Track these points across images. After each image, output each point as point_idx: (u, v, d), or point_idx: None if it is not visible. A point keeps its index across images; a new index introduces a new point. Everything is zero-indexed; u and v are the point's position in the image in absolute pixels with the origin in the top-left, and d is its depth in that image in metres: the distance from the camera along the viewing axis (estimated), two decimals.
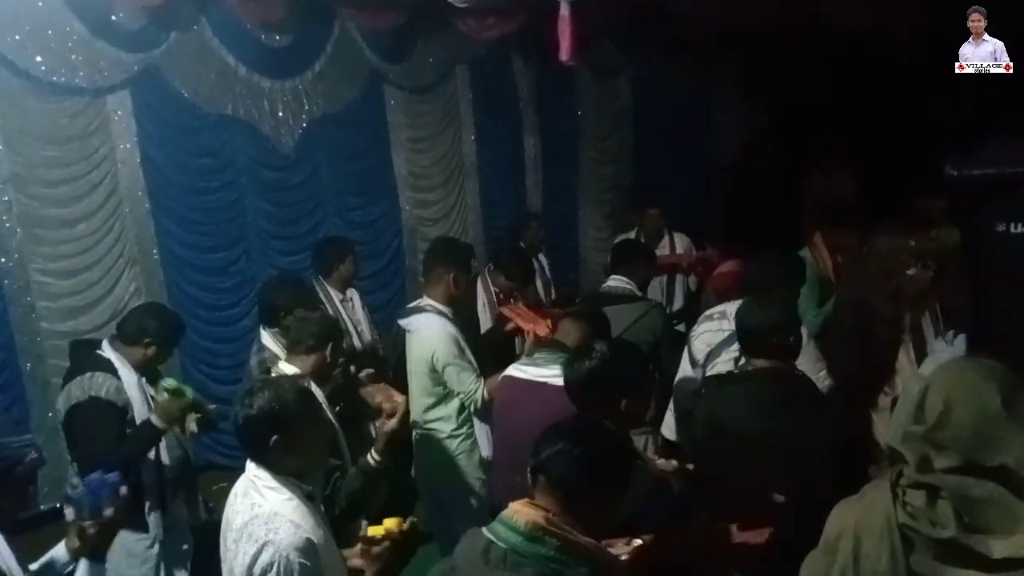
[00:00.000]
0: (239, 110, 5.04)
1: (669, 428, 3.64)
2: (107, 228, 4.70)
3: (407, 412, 2.70)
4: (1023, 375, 1.57)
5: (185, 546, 3.40)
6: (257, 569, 2.01)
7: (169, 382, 3.16)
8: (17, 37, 4.17)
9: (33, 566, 2.18)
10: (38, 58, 4.25)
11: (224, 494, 4.84)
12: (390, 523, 2.19)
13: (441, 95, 6.16)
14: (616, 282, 4.00)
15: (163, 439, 3.17)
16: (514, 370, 2.99)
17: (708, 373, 3.33)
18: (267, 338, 3.74)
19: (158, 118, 4.79)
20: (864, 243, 4.57)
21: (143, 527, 3.17)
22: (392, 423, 2.61)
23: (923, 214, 4.95)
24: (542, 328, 3.52)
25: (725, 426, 2.51)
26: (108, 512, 2.16)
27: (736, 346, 3.26)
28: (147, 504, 3.18)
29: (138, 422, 3.11)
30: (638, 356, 2.43)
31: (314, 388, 2.75)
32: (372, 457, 2.61)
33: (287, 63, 5.22)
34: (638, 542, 1.96)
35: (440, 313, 3.62)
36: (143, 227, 4.86)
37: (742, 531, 2.20)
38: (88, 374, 3.10)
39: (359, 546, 2.21)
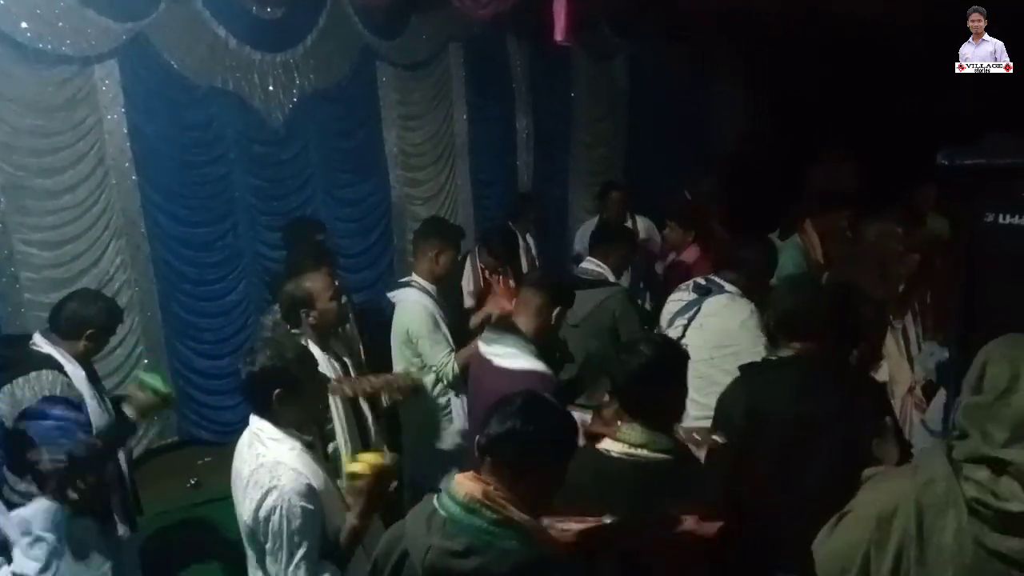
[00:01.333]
0: (229, 83, 4.98)
1: None
2: (93, 199, 4.65)
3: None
4: None
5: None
6: (263, 512, 2.17)
7: (149, 377, 3.01)
8: (2, 2, 4.09)
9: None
10: (24, 24, 4.17)
11: (209, 468, 4.89)
12: (367, 457, 2.29)
13: (434, 73, 6.11)
14: (589, 264, 4.05)
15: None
16: (480, 343, 3.04)
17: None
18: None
19: (146, 89, 4.72)
20: (854, 229, 4.62)
21: (109, 517, 3.06)
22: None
23: (913, 204, 5.00)
24: (503, 305, 3.59)
25: (768, 412, 2.51)
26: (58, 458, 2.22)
27: (687, 315, 3.41)
28: (112, 496, 3.07)
29: (92, 418, 2.94)
30: (680, 351, 2.39)
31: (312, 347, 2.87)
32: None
33: (278, 36, 5.15)
34: (591, 522, 1.96)
35: (422, 289, 3.73)
36: (129, 199, 4.81)
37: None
38: (33, 374, 2.85)
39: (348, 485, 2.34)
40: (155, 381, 3.00)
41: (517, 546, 1.73)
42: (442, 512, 1.77)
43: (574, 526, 1.96)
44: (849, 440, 2.33)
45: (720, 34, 7.26)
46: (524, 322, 2.88)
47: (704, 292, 3.46)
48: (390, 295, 3.89)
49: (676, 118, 7.54)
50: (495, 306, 3.73)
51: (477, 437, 1.86)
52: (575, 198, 7.32)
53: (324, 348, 3.09)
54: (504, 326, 2.93)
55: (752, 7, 6.40)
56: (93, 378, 3.12)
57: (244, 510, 2.24)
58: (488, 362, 2.86)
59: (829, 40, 6.82)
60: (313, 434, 2.43)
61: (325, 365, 3.02)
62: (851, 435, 2.34)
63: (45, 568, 2.15)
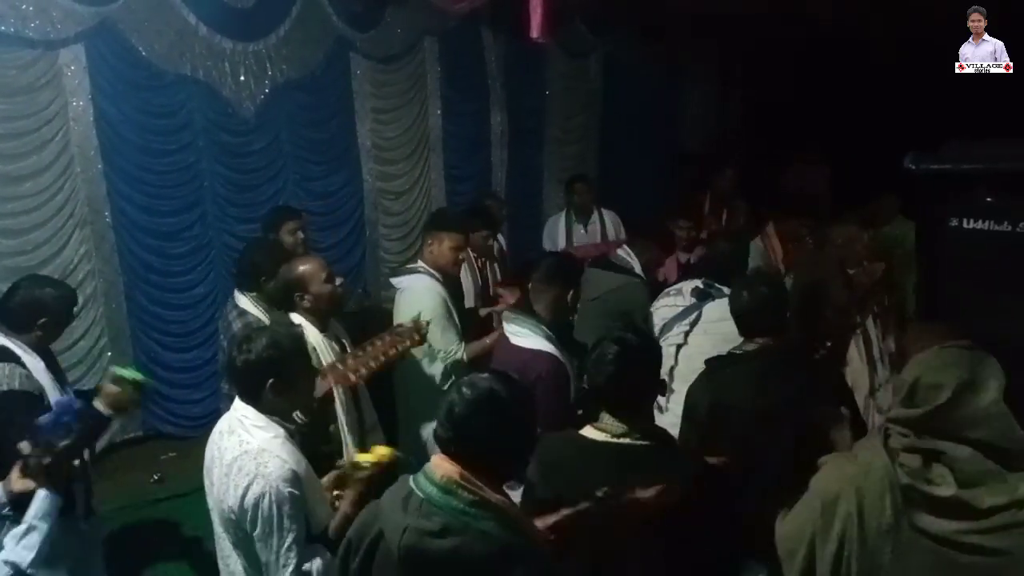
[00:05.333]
0: (198, 71, 4.89)
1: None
2: (57, 187, 4.55)
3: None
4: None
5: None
6: (249, 499, 2.18)
7: (121, 371, 2.89)
8: None
9: None
10: None
11: (172, 464, 4.81)
12: (382, 451, 2.41)
13: (408, 66, 6.06)
14: (623, 252, 4.21)
15: None
16: (504, 323, 3.17)
17: (663, 344, 3.40)
18: (246, 302, 3.60)
19: (113, 74, 4.62)
20: (817, 234, 4.68)
21: (72, 506, 2.88)
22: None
23: (874, 212, 5.07)
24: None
25: (730, 405, 2.56)
26: (65, 441, 2.24)
27: (687, 320, 3.39)
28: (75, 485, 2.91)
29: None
30: (651, 346, 2.39)
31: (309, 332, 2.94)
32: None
33: (250, 25, 5.07)
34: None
35: (431, 275, 3.75)
36: (95, 187, 4.71)
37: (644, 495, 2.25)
38: None
39: (333, 473, 2.44)
40: (130, 372, 2.88)
41: (494, 528, 1.74)
42: (419, 493, 1.78)
43: (550, 519, 1.99)
44: (808, 431, 2.38)
45: (694, 34, 7.31)
46: (542, 310, 3.04)
47: (704, 296, 3.46)
48: (394, 280, 3.91)
49: (649, 116, 7.58)
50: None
51: (434, 428, 1.87)
52: (548, 194, 7.31)
53: (323, 330, 3.06)
54: (527, 311, 3.06)
55: (726, 8, 6.45)
56: (54, 368, 3.04)
57: (227, 496, 2.23)
58: (506, 339, 3.02)
59: (803, 42, 6.89)
60: (295, 422, 2.43)
61: (324, 348, 3.01)
62: (810, 426, 2.39)
63: (38, 557, 2.13)
